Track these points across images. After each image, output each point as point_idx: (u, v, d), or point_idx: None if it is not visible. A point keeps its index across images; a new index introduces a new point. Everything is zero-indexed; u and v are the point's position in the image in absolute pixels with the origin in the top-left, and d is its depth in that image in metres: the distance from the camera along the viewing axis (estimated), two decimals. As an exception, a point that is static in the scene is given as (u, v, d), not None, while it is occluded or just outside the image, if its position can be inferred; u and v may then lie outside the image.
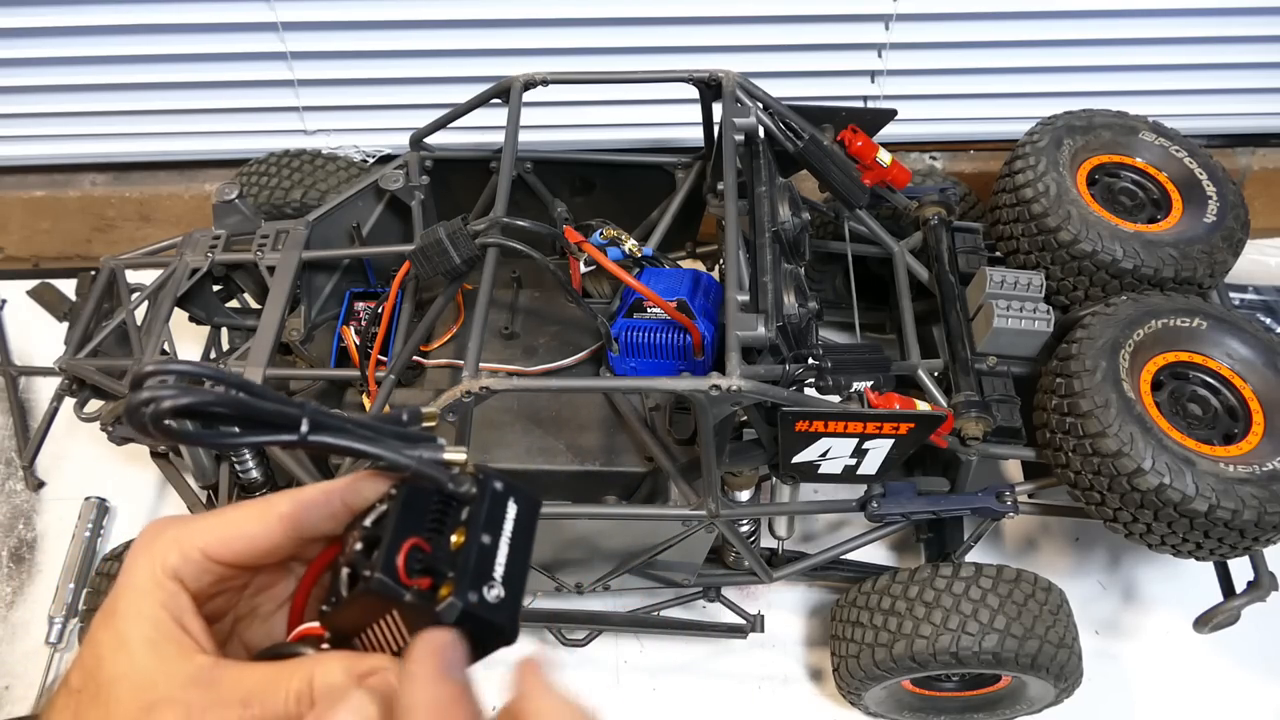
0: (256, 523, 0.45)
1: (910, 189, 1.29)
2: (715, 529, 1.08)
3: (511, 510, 0.43)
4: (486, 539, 0.42)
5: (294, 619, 0.46)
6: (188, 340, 1.32)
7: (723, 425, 0.96)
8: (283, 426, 0.40)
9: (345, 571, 0.42)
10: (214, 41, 1.45)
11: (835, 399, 1.01)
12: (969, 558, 1.16)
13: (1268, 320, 1.59)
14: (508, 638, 0.42)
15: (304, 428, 0.40)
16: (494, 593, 0.41)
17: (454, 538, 0.42)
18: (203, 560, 0.44)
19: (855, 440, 0.97)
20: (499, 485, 0.43)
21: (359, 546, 0.42)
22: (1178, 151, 1.24)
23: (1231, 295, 1.58)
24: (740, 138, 1.13)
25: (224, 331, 1.34)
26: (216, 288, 1.30)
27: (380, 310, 1.18)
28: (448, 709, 0.38)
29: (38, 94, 1.53)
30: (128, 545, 1.19)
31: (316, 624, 0.44)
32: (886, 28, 1.45)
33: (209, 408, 0.38)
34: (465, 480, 0.43)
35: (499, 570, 0.41)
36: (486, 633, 0.41)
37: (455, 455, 0.43)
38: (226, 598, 0.47)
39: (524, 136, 1.17)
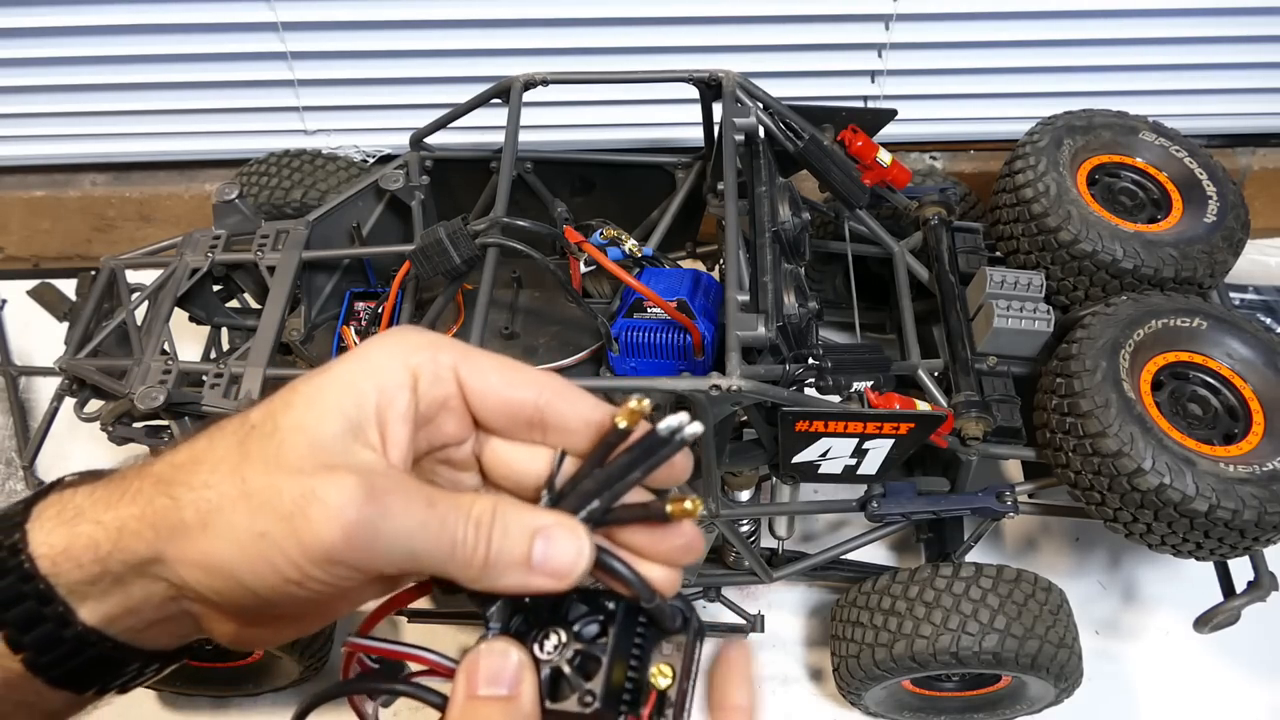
0: (520, 372, 0.43)
1: (910, 189, 1.29)
2: (715, 529, 1.08)
3: (698, 649, 0.42)
4: (689, 684, 0.41)
5: (367, 625, 0.44)
6: (188, 340, 1.32)
7: (723, 425, 0.96)
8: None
9: (544, 673, 0.40)
10: (214, 41, 1.45)
11: (835, 399, 1.01)
12: (969, 558, 1.16)
13: (1268, 320, 1.59)
14: None
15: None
16: None
17: (655, 673, 0.40)
18: (448, 376, 0.42)
19: (855, 440, 0.97)
20: (697, 624, 0.42)
21: (569, 655, 0.40)
22: (1178, 151, 1.24)
23: (1231, 295, 1.58)
24: (740, 138, 1.13)
25: (224, 331, 1.34)
26: (217, 288, 1.30)
27: (380, 310, 1.18)
28: None
29: (38, 94, 1.53)
30: None
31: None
32: (886, 28, 1.45)
33: None
34: (676, 615, 0.42)
35: None
36: None
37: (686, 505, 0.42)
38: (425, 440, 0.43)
39: (524, 136, 1.17)
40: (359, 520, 0.37)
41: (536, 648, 0.41)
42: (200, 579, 0.39)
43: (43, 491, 0.43)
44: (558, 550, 0.40)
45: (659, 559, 0.43)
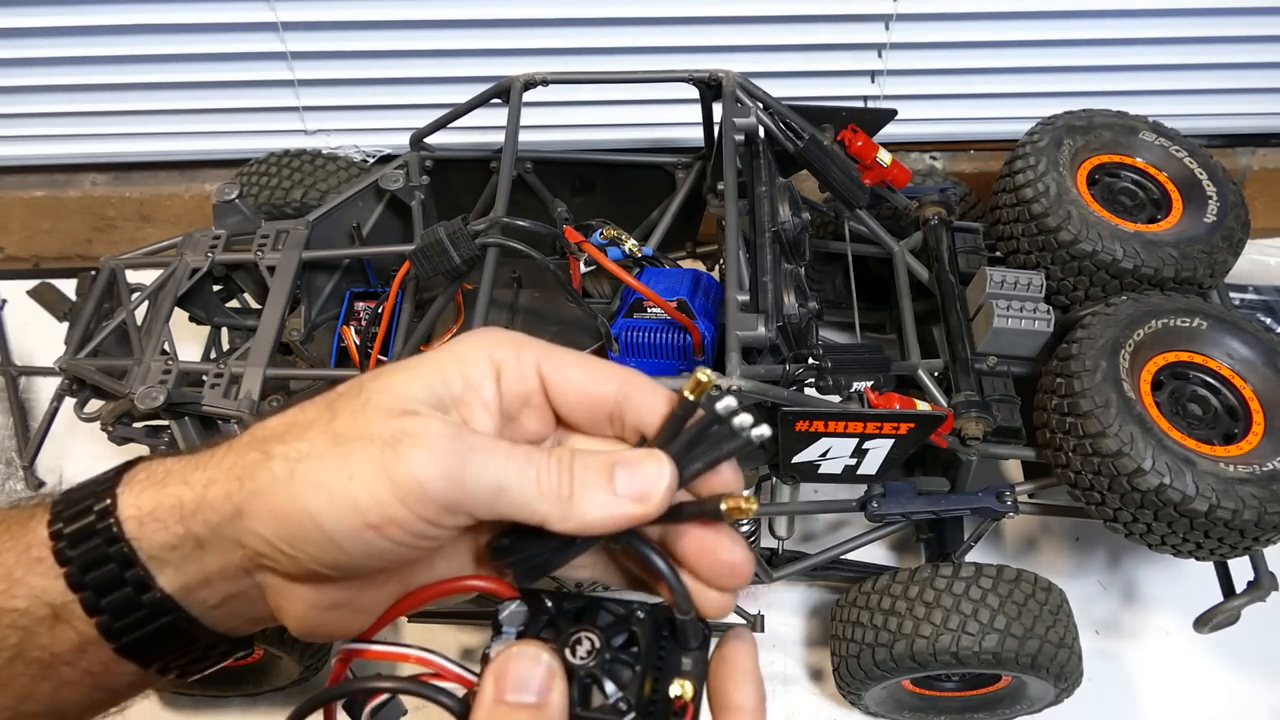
0: (600, 367, 0.44)
1: (910, 189, 1.30)
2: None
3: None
4: (703, 698, 0.41)
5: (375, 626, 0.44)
6: (188, 340, 1.32)
7: (723, 425, 0.96)
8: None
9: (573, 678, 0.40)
10: (214, 42, 1.45)
11: (835, 399, 1.01)
12: (969, 558, 1.16)
13: (1268, 320, 1.59)
14: None
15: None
16: None
17: (675, 688, 0.40)
18: (530, 373, 0.43)
19: (855, 440, 0.97)
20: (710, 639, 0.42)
21: (593, 664, 0.40)
22: (1178, 151, 1.24)
23: (1231, 295, 1.58)
24: (740, 138, 1.13)
25: (224, 331, 1.34)
26: (217, 288, 1.30)
27: (380, 310, 1.18)
28: None
29: (38, 94, 1.53)
30: None
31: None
32: (887, 28, 1.45)
33: None
34: (700, 632, 0.42)
35: None
36: None
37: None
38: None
39: (524, 136, 1.17)
40: (448, 451, 0.38)
41: (569, 652, 0.40)
42: (279, 531, 0.39)
43: (133, 461, 0.44)
44: (640, 473, 0.41)
45: (706, 577, 0.43)
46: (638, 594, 0.45)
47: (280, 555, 0.39)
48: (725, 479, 0.43)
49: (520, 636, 0.41)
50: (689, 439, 0.42)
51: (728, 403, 0.42)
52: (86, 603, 0.40)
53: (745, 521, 1.14)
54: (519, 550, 0.42)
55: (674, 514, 0.42)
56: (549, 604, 0.42)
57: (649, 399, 0.43)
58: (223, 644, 0.44)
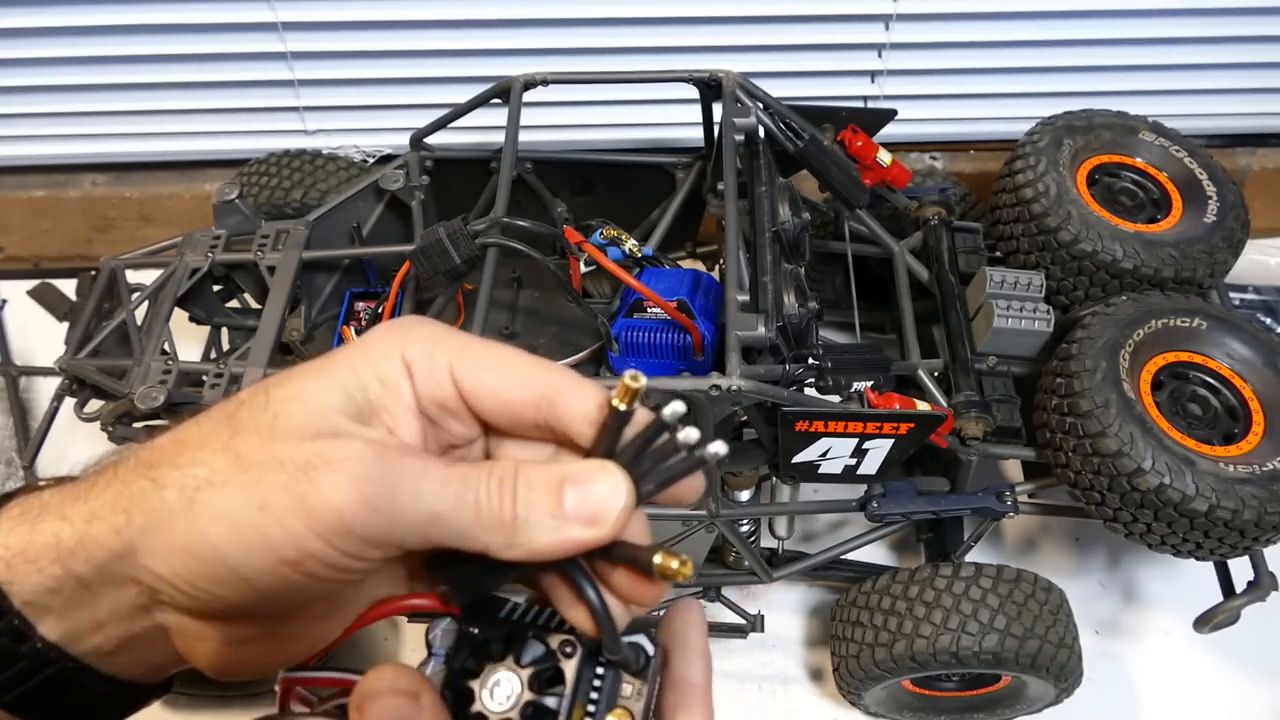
0: (518, 369, 0.38)
1: (910, 189, 1.30)
2: (715, 529, 1.08)
3: (659, 687, 0.39)
4: None
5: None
6: (188, 340, 1.32)
7: (723, 425, 0.96)
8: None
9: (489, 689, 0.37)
10: (214, 42, 1.45)
11: (835, 399, 1.01)
12: (969, 558, 1.16)
13: (1268, 320, 1.59)
14: None
15: None
16: None
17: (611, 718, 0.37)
18: (444, 377, 0.38)
19: (855, 440, 0.97)
20: (656, 660, 0.39)
21: (525, 704, 0.37)
22: (1178, 151, 1.24)
23: (1231, 295, 1.58)
24: (740, 138, 1.13)
25: (224, 331, 1.34)
26: (217, 288, 1.30)
27: (380, 310, 1.18)
28: None
29: (38, 94, 1.53)
30: None
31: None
32: (887, 28, 1.45)
33: None
34: (642, 655, 0.38)
35: None
36: None
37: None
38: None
39: (524, 136, 1.17)
40: (372, 479, 0.34)
41: (487, 695, 0.37)
42: (178, 569, 0.35)
43: (10, 494, 0.39)
44: (591, 491, 0.36)
45: (625, 598, 0.39)
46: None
47: (179, 595, 0.35)
48: (689, 486, 0.39)
49: (446, 662, 0.38)
50: (636, 448, 0.38)
51: (674, 408, 0.37)
52: None
53: (745, 521, 1.14)
54: (454, 569, 0.38)
55: (606, 552, 0.38)
56: (475, 632, 0.38)
57: (576, 403, 0.38)
58: (128, 692, 0.39)
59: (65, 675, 0.37)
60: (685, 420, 0.38)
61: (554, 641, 0.38)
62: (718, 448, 0.37)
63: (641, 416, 0.39)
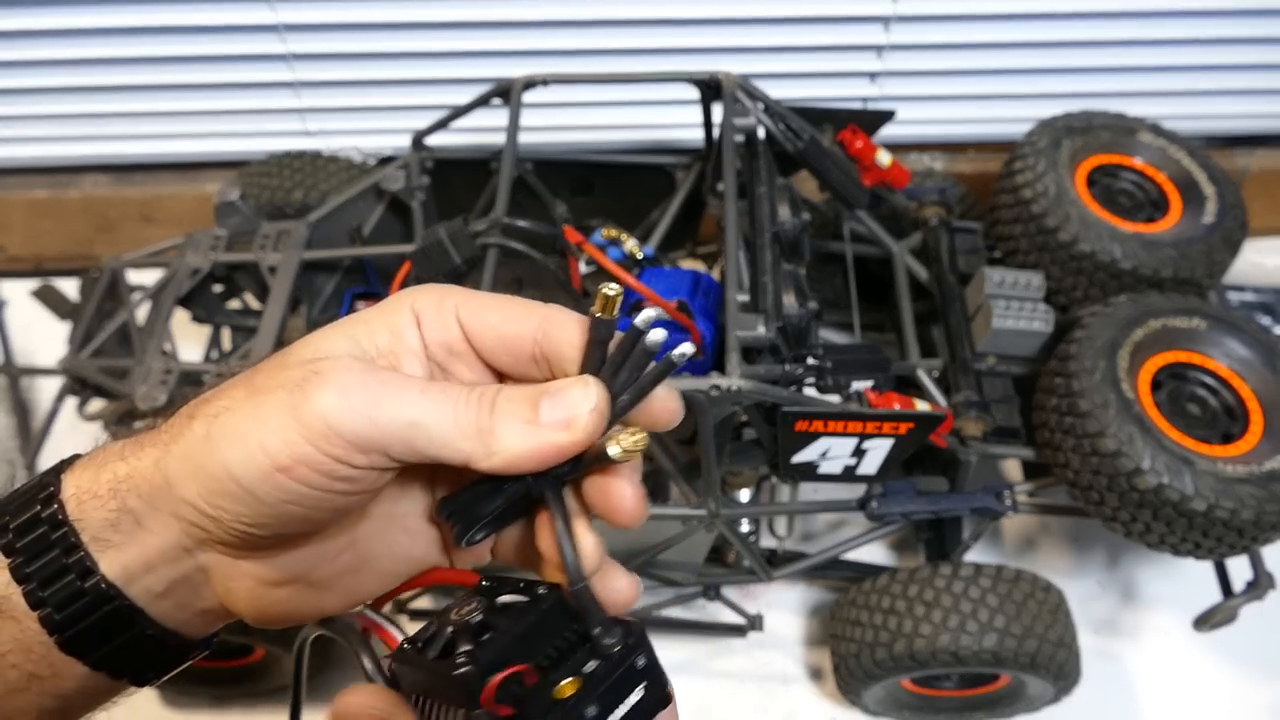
0: (518, 307, 0.41)
1: (910, 189, 1.30)
2: (715, 528, 1.09)
3: (635, 696, 0.37)
4: (592, 713, 0.36)
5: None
6: (189, 340, 1.32)
7: (723, 425, 0.96)
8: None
9: (448, 631, 0.38)
10: (215, 43, 1.45)
11: (835, 399, 1.01)
12: (969, 557, 1.16)
13: (1267, 320, 1.59)
14: None
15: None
16: None
17: (564, 684, 0.36)
18: (450, 319, 0.41)
19: (855, 440, 0.97)
20: (642, 662, 0.37)
21: (477, 619, 0.38)
22: (1176, 152, 1.24)
23: (1230, 295, 1.59)
24: (740, 138, 1.13)
25: (225, 331, 1.34)
26: (218, 288, 1.30)
27: (381, 310, 1.18)
28: None
29: (40, 96, 1.53)
30: None
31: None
32: (886, 29, 1.45)
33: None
34: (615, 633, 0.37)
35: None
36: None
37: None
38: None
39: (524, 137, 1.17)
40: (356, 385, 0.37)
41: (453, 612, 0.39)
42: (200, 491, 0.38)
43: (88, 452, 0.42)
44: (565, 398, 0.39)
45: (608, 510, 0.41)
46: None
47: (206, 518, 0.38)
48: (665, 404, 0.41)
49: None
50: (615, 364, 0.40)
51: (646, 315, 0.39)
52: (30, 595, 0.38)
53: (745, 521, 1.14)
54: (453, 503, 0.41)
55: (574, 464, 0.40)
56: (448, 631, 0.38)
57: (566, 331, 0.41)
58: (173, 640, 0.42)
59: (120, 615, 0.39)
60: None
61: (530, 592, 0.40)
62: (686, 348, 0.39)
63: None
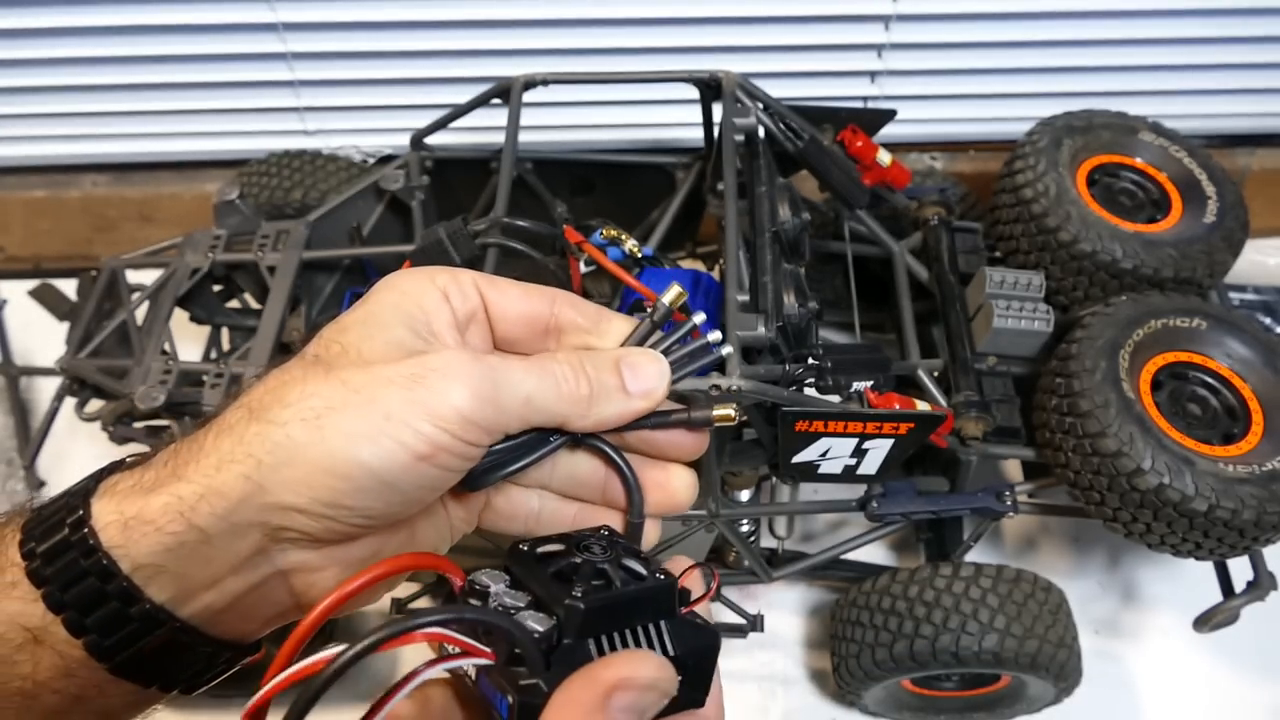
0: (530, 286, 0.47)
1: (910, 189, 1.30)
2: (715, 529, 1.08)
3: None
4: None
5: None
6: (188, 340, 1.32)
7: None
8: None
9: (575, 561, 0.40)
10: (214, 42, 1.45)
11: (835, 399, 1.01)
12: (969, 557, 1.16)
13: (1268, 320, 1.59)
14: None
15: None
16: None
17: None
18: (472, 292, 0.45)
19: (855, 440, 0.97)
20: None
21: (602, 565, 0.40)
22: (1177, 151, 1.24)
23: (1231, 295, 1.58)
24: (740, 138, 1.13)
25: (224, 331, 1.34)
26: (217, 288, 1.30)
27: (380, 310, 1.18)
28: None
29: (38, 95, 1.53)
30: None
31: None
32: (886, 28, 1.45)
33: None
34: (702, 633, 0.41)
35: None
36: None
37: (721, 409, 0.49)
38: None
39: (524, 137, 1.17)
40: (478, 376, 0.40)
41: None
42: (319, 494, 0.38)
43: (107, 468, 0.42)
44: (642, 372, 0.46)
45: (665, 451, 0.49)
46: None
47: (313, 523, 0.39)
48: (682, 449, 0.49)
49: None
50: (669, 344, 0.48)
51: (700, 315, 0.48)
52: (70, 623, 0.38)
53: (745, 522, 1.14)
54: (497, 453, 0.44)
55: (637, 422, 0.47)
56: (575, 561, 0.41)
57: (574, 311, 0.47)
58: (227, 650, 0.42)
59: (172, 638, 0.39)
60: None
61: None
62: (716, 335, 0.51)
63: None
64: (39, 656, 0.38)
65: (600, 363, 0.45)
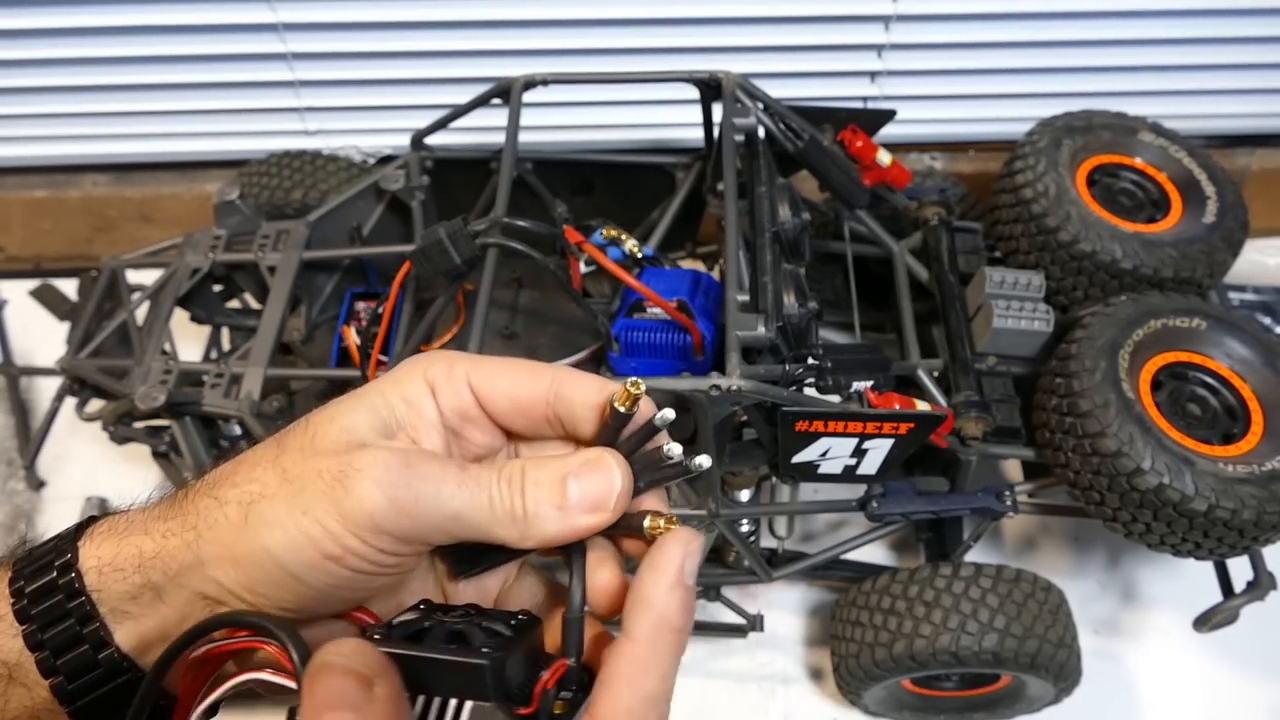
0: (527, 370, 0.43)
1: (910, 189, 1.30)
2: (715, 529, 1.08)
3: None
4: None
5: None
6: (188, 340, 1.32)
7: (723, 425, 0.96)
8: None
9: (439, 626, 0.39)
10: (215, 43, 1.45)
11: (835, 399, 1.01)
12: (969, 557, 1.16)
13: (1267, 320, 1.59)
14: None
15: None
16: None
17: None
18: (462, 387, 0.43)
19: (855, 440, 0.97)
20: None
21: (460, 626, 0.40)
22: (1177, 152, 1.24)
23: (1230, 295, 1.59)
24: (740, 138, 1.13)
25: (225, 331, 1.34)
26: (217, 288, 1.30)
27: (381, 310, 1.18)
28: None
29: (39, 95, 1.53)
30: None
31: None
32: (886, 28, 1.45)
33: None
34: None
35: None
36: None
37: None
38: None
39: (524, 137, 1.17)
40: (396, 483, 0.38)
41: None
42: (240, 578, 0.38)
43: (97, 516, 0.43)
44: (591, 482, 0.41)
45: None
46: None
47: (243, 602, 0.39)
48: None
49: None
50: (632, 444, 0.43)
51: (665, 414, 0.42)
52: (43, 664, 0.39)
53: (745, 521, 1.14)
54: (458, 548, 0.42)
55: (613, 526, 0.43)
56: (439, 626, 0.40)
57: (579, 392, 0.43)
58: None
59: (133, 686, 0.40)
60: (675, 426, 0.42)
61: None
62: (702, 460, 0.42)
63: (645, 408, 0.43)
64: (10, 694, 0.39)
65: (544, 478, 0.41)
